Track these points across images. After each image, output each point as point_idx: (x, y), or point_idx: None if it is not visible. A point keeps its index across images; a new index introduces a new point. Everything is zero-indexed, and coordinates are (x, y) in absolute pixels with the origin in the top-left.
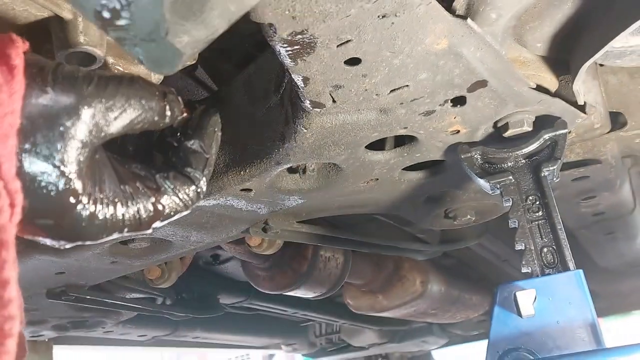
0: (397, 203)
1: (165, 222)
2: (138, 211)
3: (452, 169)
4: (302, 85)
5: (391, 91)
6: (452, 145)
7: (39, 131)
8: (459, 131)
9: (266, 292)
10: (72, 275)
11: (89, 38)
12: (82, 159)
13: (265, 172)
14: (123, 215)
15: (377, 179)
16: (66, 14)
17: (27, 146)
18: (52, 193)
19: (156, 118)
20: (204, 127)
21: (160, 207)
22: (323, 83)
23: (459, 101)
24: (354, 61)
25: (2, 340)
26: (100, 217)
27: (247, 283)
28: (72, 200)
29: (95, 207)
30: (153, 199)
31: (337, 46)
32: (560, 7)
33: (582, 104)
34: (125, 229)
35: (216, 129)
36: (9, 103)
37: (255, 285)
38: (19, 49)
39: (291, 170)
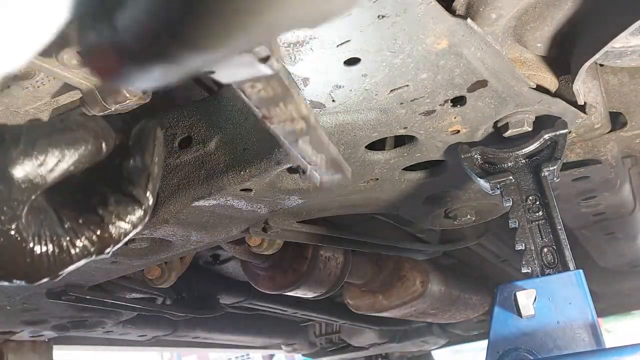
0: (397, 203)
1: (120, 244)
2: (85, 246)
3: (452, 169)
4: (302, 85)
5: (391, 91)
6: (452, 145)
7: None
8: (459, 131)
9: (266, 292)
10: (72, 275)
11: None
12: (23, 212)
13: (265, 171)
14: (70, 252)
15: (377, 179)
16: None
17: None
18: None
19: (93, 156)
20: (141, 143)
21: (107, 235)
22: (323, 83)
23: (459, 101)
24: (353, 61)
25: None
26: (49, 258)
27: (247, 283)
28: (18, 249)
29: (42, 250)
30: (98, 230)
31: (337, 46)
32: (561, 7)
33: (582, 104)
34: (79, 261)
35: (155, 142)
36: None
37: (255, 285)
38: None
39: (291, 170)
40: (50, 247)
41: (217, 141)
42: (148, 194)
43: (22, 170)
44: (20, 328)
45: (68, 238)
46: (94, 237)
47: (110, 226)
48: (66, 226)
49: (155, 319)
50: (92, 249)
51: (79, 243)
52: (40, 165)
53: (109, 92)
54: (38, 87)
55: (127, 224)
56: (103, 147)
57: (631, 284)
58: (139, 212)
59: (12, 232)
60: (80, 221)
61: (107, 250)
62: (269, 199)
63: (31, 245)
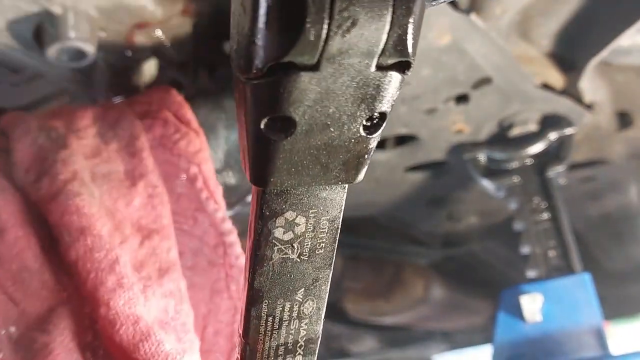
0: (399, 204)
1: None
2: None
3: (455, 170)
4: None
5: None
6: (455, 145)
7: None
8: (462, 130)
9: None
10: None
11: (80, 33)
12: None
13: None
14: None
15: (378, 180)
16: (56, 8)
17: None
18: None
19: None
20: None
21: None
22: None
23: (462, 99)
24: None
25: None
26: None
27: None
28: None
29: None
30: None
31: None
32: (567, 2)
33: (589, 102)
34: None
35: None
36: (197, 142)
37: None
38: (184, 105)
39: None
40: None
41: None
42: None
43: None
44: None
45: None
46: None
47: None
48: None
49: None
50: None
51: None
52: None
53: None
54: None
55: None
56: None
57: (639, 287)
58: None
59: None
60: None
61: None
62: None
63: None
